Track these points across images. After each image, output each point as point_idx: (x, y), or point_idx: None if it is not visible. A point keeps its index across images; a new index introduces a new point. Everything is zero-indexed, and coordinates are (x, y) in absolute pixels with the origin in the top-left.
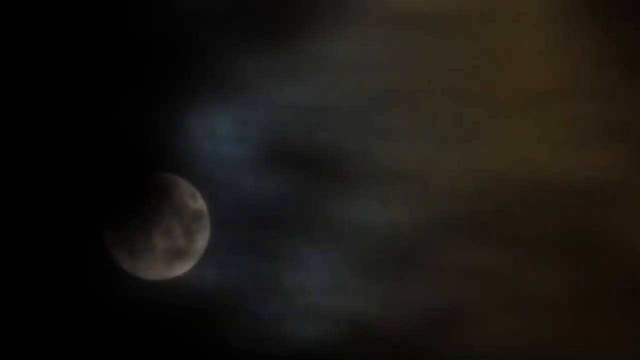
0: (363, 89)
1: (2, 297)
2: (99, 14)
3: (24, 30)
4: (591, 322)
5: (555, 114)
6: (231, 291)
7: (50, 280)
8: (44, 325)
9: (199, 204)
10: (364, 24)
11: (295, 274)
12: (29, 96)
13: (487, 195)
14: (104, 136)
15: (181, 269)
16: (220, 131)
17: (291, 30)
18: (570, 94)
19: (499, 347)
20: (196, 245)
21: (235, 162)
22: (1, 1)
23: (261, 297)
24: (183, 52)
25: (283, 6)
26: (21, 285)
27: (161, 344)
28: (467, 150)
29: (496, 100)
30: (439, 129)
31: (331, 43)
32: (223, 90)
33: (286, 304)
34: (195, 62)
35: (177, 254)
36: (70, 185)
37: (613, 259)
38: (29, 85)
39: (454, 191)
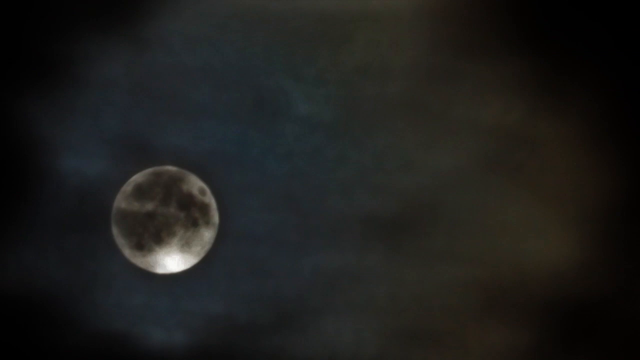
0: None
1: None
2: None
3: None
4: (448, 318)
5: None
6: (77, 290)
7: None
8: None
9: (207, 197)
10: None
11: (151, 275)
12: None
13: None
14: None
15: (194, 259)
16: (58, 117)
17: (129, 13)
18: (425, 84)
19: (350, 343)
20: (204, 238)
21: (72, 150)
22: None
23: (113, 298)
24: (18, 38)
25: None
26: None
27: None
28: (298, 138)
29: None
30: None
31: (169, 23)
32: (56, 76)
33: (141, 306)
34: (30, 48)
35: (186, 245)
36: None
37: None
38: None
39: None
